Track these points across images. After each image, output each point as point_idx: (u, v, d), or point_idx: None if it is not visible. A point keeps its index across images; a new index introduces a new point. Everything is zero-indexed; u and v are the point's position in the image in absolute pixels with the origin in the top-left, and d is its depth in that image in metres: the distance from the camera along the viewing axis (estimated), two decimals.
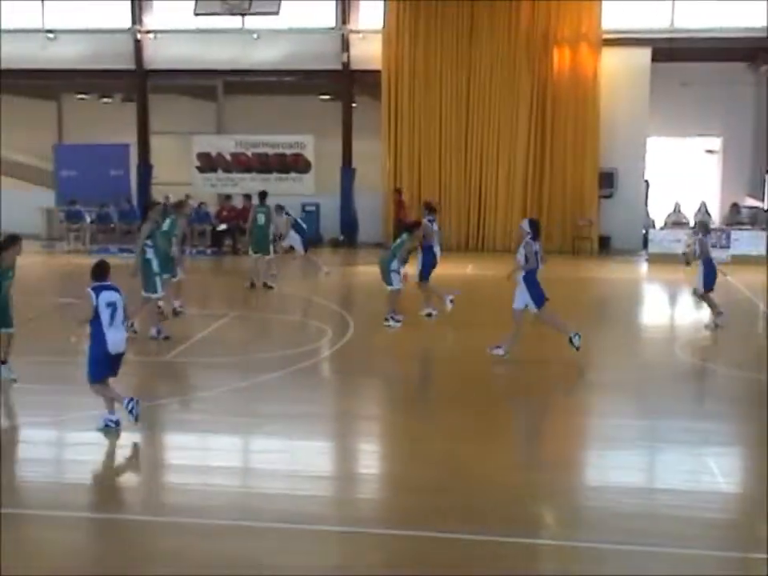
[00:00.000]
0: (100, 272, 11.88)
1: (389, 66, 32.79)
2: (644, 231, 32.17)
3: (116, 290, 11.91)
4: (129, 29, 34.42)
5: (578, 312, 20.78)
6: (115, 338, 11.73)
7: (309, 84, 34.61)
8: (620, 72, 31.84)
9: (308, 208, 33.34)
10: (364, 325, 19.03)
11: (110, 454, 11.75)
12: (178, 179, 33.65)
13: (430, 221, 19.96)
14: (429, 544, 8.74)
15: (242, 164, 34.57)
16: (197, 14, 32.95)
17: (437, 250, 19.98)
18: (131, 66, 34.63)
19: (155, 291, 17.29)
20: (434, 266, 19.83)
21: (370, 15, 33.36)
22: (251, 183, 33.65)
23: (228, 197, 32.43)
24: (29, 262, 24.68)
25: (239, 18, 33.54)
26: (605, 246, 32.46)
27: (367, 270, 24.36)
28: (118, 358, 11.95)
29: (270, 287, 23.16)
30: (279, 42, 33.82)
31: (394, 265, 18.55)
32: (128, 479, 10.96)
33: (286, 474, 10.79)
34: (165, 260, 18.39)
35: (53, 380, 14.63)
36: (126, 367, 16.10)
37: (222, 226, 31.67)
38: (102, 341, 11.64)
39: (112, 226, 31.68)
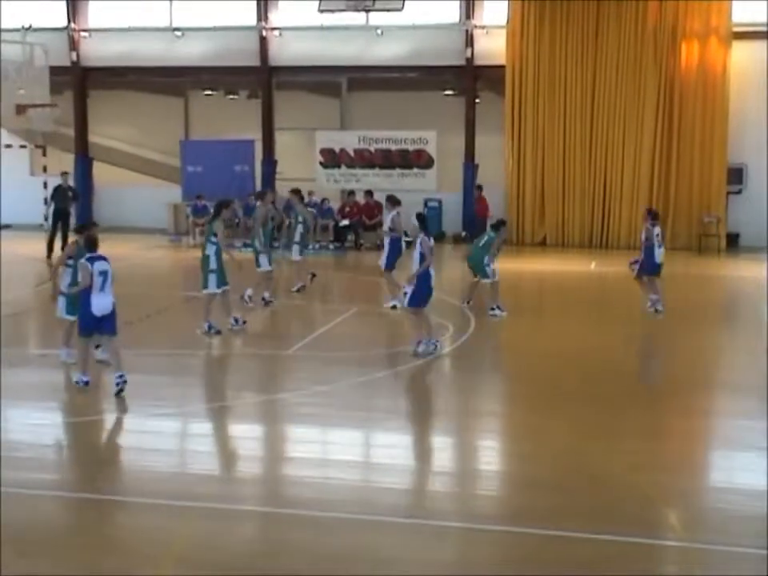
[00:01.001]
0: (91, 244, 13.20)
1: (513, 62, 32.55)
2: None
3: (106, 259, 13.19)
4: (254, 26, 34.88)
5: (705, 310, 20.39)
6: (101, 302, 12.95)
7: (432, 80, 34.57)
8: (750, 66, 31.05)
9: (430, 204, 33.31)
10: (485, 321, 18.92)
11: (231, 446, 11.94)
12: (301, 175, 33.90)
13: (398, 213, 20.46)
14: (550, 542, 8.63)
15: (364, 160, 34.68)
16: (321, 11, 33.11)
17: (403, 242, 20.62)
18: (256, 63, 35.07)
19: (205, 287, 17.34)
20: (399, 256, 20.42)
21: (494, 10, 33.18)
22: (374, 179, 33.87)
23: (351, 193, 32.59)
24: (156, 255, 25.27)
25: (363, 14, 33.62)
26: (733, 243, 31.72)
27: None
28: (105, 318, 13.03)
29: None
30: (403, 38, 33.86)
31: (487, 260, 19.36)
32: (248, 471, 11.04)
33: (404, 468, 10.80)
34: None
35: (174, 372, 14.87)
36: (248, 360, 16.45)
37: (345, 222, 31.89)
38: (89, 303, 12.90)
39: (237, 221, 31.99)
